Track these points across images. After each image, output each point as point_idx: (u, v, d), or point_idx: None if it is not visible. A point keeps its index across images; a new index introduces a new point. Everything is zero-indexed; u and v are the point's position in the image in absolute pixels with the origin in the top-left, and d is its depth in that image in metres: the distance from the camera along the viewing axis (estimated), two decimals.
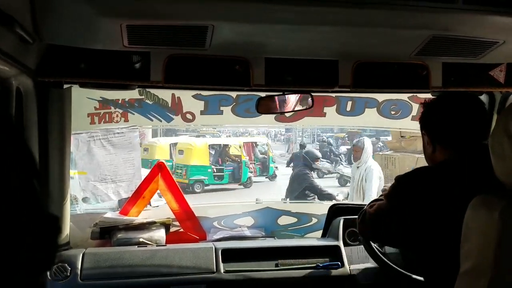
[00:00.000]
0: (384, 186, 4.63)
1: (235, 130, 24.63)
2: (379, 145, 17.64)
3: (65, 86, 2.24)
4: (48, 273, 2.25)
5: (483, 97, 2.52)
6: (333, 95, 3.20)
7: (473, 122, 1.72)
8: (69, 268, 2.31)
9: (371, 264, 2.54)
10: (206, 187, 14.81)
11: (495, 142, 1.23)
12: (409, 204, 1.64)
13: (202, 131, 23.47)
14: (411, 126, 3.43)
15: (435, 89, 2.20)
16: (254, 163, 17.23)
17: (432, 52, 1.97)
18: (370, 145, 5.64)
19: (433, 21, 1.69)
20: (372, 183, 5.24)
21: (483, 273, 1.17)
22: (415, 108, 3.37)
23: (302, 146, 15.09)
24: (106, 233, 2.69)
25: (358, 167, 5.47)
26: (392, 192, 1.72)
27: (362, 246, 2.50)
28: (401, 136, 9.13)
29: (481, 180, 1.42)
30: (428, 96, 2.26)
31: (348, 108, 3.33)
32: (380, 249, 2.41)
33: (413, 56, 2.00)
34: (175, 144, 15.81)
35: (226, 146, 16.34)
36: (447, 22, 1.71)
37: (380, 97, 3.34)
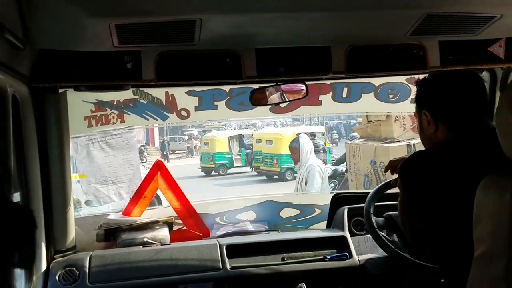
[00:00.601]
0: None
1: (240, 123, 24.72)
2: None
3: (60, 90, 2.24)
4: (57, 277, 2.26)
5: (484, 74, 2.49)
6: (328, 82, 3.18)
7: (475, 98, 1.68)
8: (77, 272, 2.32)
9: (379, 253, 2.51)
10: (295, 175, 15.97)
11: (500, 119, 1.19)
12: (419, 189, 1.62)
13: (208, 126, 23.70)
14: (411, 108, 3.41)
15: (434, 69, 2.16)
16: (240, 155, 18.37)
17: (428, 31, 1.93)
18: (308, 142, 5.06)
19: None
20: (313, 184, 4.71)
21: (499, 256, 1.13)
22: (414, 90, 3.35)
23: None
24: (111, 234, 2.70)
25: (299, 169, 4.96)
26: (402, 180, 1.69)
27: (369, 235, 2.46)
28: (368, 121, 7.98)
29: (488, 158, 1.38)
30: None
31: (344, 95, 3.30)
32: (388, 238, 2.35)
33: (408, 37, 1.97)
34: (245, 135, 18.66)
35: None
36: None
37: (377, 81, 3.31)
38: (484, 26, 1.91)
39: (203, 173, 18.67)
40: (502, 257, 1.12)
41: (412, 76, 3.18)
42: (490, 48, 2.18)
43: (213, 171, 18.58)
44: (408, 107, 3.46)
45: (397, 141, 7.09)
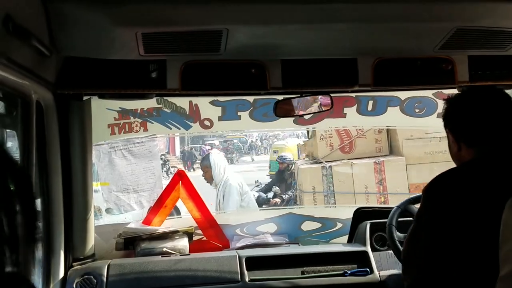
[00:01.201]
0: None
1: (261, 134, 24.73)
2: None
3: (85, 98, 2.26)
4: (74, 285, 2.26)
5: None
6: (353, 95, 3.14)
7: (498, 118, 1.63)
8: (95, 280, 2.30)
9: (401, 270, 2.45)
10: None
11: None
12: (441, 211, 1.56)
13: (229, 136, 23.78)
14: (437, 123, 3.34)
15: (462, 83, 2.11)
16: None
17: (457, 45, 1.89)
18: (220, 158, 4.77)
19: (457, 12, 1.63)
20: (229, 202, 4.38)
21: None
22: (441, 105, 3.28)
23: None
24: (130, 243, 2.69)
25: (216, 188, 4.60)
26: (423, 207, 1.64)
27: (391, 251, 2.42)
28: (309, 138, 6.94)
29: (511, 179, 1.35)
30: (454, 91, 2.19)
31: (370, 108, 3.26)
32: None
33: (437, 50, 1.93)
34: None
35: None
36: (472, 13, 1.64)
37: (403, 95, 3.26)
38: None
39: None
40: None
41: (440, 90, 3.12)
42: None
43: None
44: (434, 122, 3.39)
45: (316, 162, 6.32)
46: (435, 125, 3.40)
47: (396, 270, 2.50)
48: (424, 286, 1.60)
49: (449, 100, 1.77)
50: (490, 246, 1.25)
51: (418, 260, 1.60)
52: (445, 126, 1.75)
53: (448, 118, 1.73)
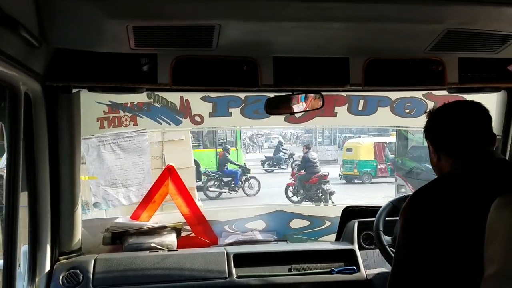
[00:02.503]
0: None
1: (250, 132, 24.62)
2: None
3: (74, 90, 2.23)
4: (60, 279, 2.24)
5: (501, 94, 2.45)
6: (344, 94, 3.15)
7: (475, 130, 1.65)
8: (81, 274, 2.29)
9: (387, 268, 2.47)
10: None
11: None
12: (422, 221, 1.58)
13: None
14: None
15: (451, 85, 2.13)
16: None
17: (448, 47, 1.90)
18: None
19: (448, 14, 1.64)
20: None
21: (510, 277, 1.12)
22: (430, 105, 3.30)
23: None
24: (118, 238, 2.68)
25: None
26: (405, 218, 1.65)
27: (378, 250, 2.44)
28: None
29: (494, 187, 1.37)
30: (443, 93, 2.21)
31: (360, 107, 3.27)
32: None
33: (427, 52, 1.94)
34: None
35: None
36: (463, 15, 1.65)
37: (393, 95, 3.28)
38: (505, 44, 1.89)
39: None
40: None
41: (429, 92, 3.14)
42: (510, 67, 2.15)
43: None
44: (423, 123, 3.41)
45: None
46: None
47: (383, 268, 2.52)
48: None
49: (430, 113, 1.79)
50: (474, 250, 1.27)
51: (407, 268, 1.60)
52: (426, 137, 1.77)
53: (429, 130, 1.75)
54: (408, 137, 13.12)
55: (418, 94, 3.29)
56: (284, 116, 3.13)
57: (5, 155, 1.90)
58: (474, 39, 1.84)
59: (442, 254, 1.53)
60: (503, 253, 1.16)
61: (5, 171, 1.88)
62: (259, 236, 3.01)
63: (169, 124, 3.09)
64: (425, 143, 1.83)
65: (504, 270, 1.14)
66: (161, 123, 3.08)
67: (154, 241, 2.66)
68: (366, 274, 2.49)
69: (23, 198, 2.13)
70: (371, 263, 2.58)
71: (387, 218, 2.45)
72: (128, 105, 3.00)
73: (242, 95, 3.06)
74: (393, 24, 1.71)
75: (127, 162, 3.01)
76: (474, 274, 1.26)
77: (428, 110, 1.79)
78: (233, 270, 2.41)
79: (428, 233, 1.55)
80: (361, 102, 3.26)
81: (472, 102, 1.75)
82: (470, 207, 1.47)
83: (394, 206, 2.47)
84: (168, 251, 2.59)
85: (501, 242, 1.16)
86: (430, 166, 1.83)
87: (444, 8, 1.57)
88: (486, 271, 1.20)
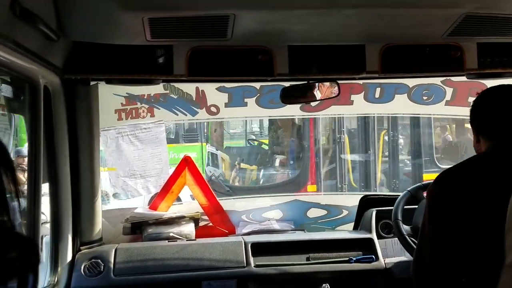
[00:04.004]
0: None
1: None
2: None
3: (92, 83, 2.26)
4: (81, 269, 2.29)
5: None
6: (361, 82, 3.12)
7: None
8: (103, 264, 2.33)
9: (406, 257, 2.46)
10: None
11: None
12: (448, 201, 1.57)
13: None
14: (445, 111, 3.32)
15: (470, 71, 2.10)
16: None
17: (466, 32, 1.87)
18: None
19: None
20: None
21: None
22: (449, 92, 3.25)
23: None
24: (137, 228, 2.71)
25: None
26: (431, 198, 1.64)
27: (397, 238, 2.43)
28: None
29: None
30: (462, 78, 2.17)
31: (377, 95, 3.23)
32: (415, 241, 2.32)
33: (445, 37, 1.91)
34: None
35: None
36: None
37: (411, 82, 3.23)
38: None
39: None
40: None
41: (448, 78, 3.09)
42: None
43: None
44: (442, 110, 3.37)
45: None
46: (443, 112, 3.38)
47: (402, 257, 2.51)
48: (436, 275, 1.60)
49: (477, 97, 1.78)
50: (496, 236, 1.25)
51: (432, 249, 1.60)
52: (470, 118, 1.75)
53: (471, 112, 1.74)
54: None
55: (436, 80, 3.24)
56: (299, 105, 3.12)
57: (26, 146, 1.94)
58: (493, 23, 1.81)
59: (465, 238, 1.52)
60: None
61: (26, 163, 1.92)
62: (276, 226, 3.01)
63: (186, 115, 3.11)
64: None
65: None
66: (177, 114, 3.09)
67: (173, 230, 2.69)
68: (385, 263, 2.48)
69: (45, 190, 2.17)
70: (390, 252, 2.57)
71: (405, 207, 2.44)
72: (145, 97, 3.02)
73: (257, 85, 3.04)
74: (410, 10, 1.68)
75: (145, 153, 3.03)
76: (496, 261, 1.24)
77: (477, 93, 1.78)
78: (251, 259, 2.42)
79: (453, 214, 1.54)
80: (378, 89, 3.22)
81: None
82: (494, 192, 1.46)
83: (412, 195, 2.46)
84: (186, 240, 2.62)
85: None
86: None
87: None
88: (508, 258, 1.18)
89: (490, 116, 1.66)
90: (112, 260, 2.36)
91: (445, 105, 3.32)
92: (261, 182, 7.69)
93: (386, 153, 6.46)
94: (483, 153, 1.65)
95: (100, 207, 2.50)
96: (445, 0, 1.62)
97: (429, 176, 5.61)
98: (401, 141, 6.70)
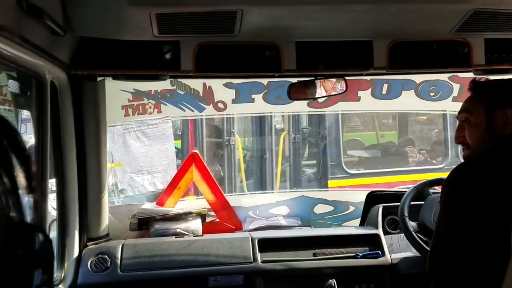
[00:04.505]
0: None
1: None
2: None
3: (99, 78, 2.26)
4: (88, 264, 2.29)
5: None
6: (368, 78, 3.11)
7: None
8: (109, 260, 2.34)
9: (413, 253, 2.46)
10: None
11: None
12: (463, 195, 1.55)
13: None
14: (452, 107, 3.30)
15: (478, 67, 2.08)
16: None
17: (474, 28, 1.86)
18: None
19: None
20: None
21: None
22: (456, 88, 3.24)
23: None
24: (144, 224, 2.71)
25: None
26: (446, 192, 1.62)
27: (403, 234, 2.42)
28: None
29: None
30: (470, 75, 2.15)
31: (384, 91, 3.22)
32: (422, 237, 2.32)
33: (453, 33, 1.90)
34: None
35: None
36: None
37: (418, 78, 3.22)
38: None
39: None
40: None
41: (455, 74, 3.07)
42: None
43: None
44: (449, 106, 3.35)
45: None
46: (450, 108, 3.37)
47: (408, 253, 2.51)
48: (452, 271, 1.59)
49: (498, 80, 1.74)
50: (506, 231, 1.25)
51: (446, 246, 1.59)
52: (499, 106, 1.67)
53: (505, 98, 1.68)
54: None
55: (444, 76, 3.22)
56: (307, 101, 3.11)
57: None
58: (501, 19, 1.80)
59: (479, 232, 1.51)
60: None
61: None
62: (283, 222, 3.01)
63: (193, 111, 3.11)
64: None
65: None
66: (184, 110, 3.09)
67: (180, 226, 2.69)
68: (391, 259, 2.48)
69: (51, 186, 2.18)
70: (396, 248, 2.57)
71: (411, 203, 2.43)
72: (152, 93, 3.03)
73: (264, 81, 3.04)
74: (418, 5, 1.67)
75: (152, 149, 3.04)
76: (504, 256, 1.24)
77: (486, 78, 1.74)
78: (258, 255, 2.43)
79: (468, 210, 1.53)
80: (385, 86, 3.21)
81: None
82: (506, 187, 1.45)
83: (418, 192, 2.46)
84: (193, 236, 2.63)
85: None
86: None
87: None
88: None
89: None
90: (118, 256, 2.36)
91: (452, 101, 3.31)
92: None
93: (287, 156, 5.62)
94: (495, 147, 1.62)
95: (107, 203, 2.50)
96: None
97: (334, 183, 5.14)
98: (305, 142, 5.91)
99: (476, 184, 1.55)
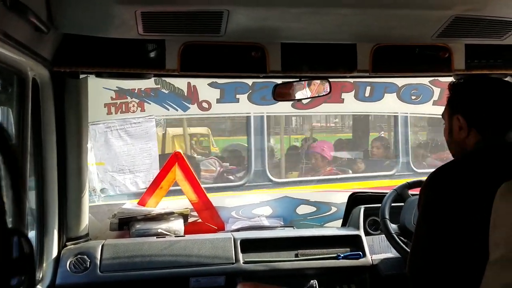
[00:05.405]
0: None
1: None
2: None
3: (81, 76, 2.23)
4: (67, 265, 2.26)
5: (508, 80, 2.44)
6: (351, 80, 3.14)
7: (510, 107, 1.63)
8: (89, 260, 2.31)
9: (393, 254, 2.49)
10: None
11: None
12: (440, 199, 1.57)
13: None
14: (433, 111, 3.36)
15: (458, 72, 2.12)
16: None
17: (455, 34, 1.90)
18: None
19: (455, 0, 1.63)
20: None
21: None
22: (437, 92, 3.30)
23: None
24: (125, 224, 2.69)
25: None
26: (424, 195, 1.64)
27: (384, 235, 2.46)
28: None
29: (503, 170, 1.36)
30: (450, 79, 2.19)
31: (367, 94, 3.27)
32: (403, 239, 2.35)
33: (434, 38, 1.94)
34: None
35: None
36: (470, 2, 1.65)
37: (400, 81, 3.27)
38: (511, 31, 1.86)
39: None
40: None
41: (436, 78, 3.13)
42: None
43: None
44: (430, 109, 3.41)
45: None
46: (431, 112, 3.43)
47: (389, 254, 2.54)
48: (432, 274, 1.61)
49: (456, 86, 1.74)
50: (483, 233, 1.26)
51: (426, 247, 1.60)
52: (454, 111, 1.68)
53: (459, 103, 1.68)
54: None
55: (425, 80, 3.28)
56: (291, 102, 3.13)
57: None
58: (481, 26, 1.84)
59: (457, 235, 1.53)
60: (505, 239, 1.16)
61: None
62: (265, 222, 3.02)
63: (177, 110, 3.10)
64: None
65: (506, 256, 1.15)
66: (168, 109, 3.09)
67: (161, 227, 2.67)
68: (371, 259, 2.51)
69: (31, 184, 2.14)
70: (377, 249, 2.60)
71: (392, 205, 2.46)
72: (136, 91, 3.01)
73: (249, 82, 3.05)
74: (401, 10, 1.70)
75: (134, 148, 3.01)
76: (482, 257, 1.26)
77: (452, 82, 1.76)
78: (240, 255, 2.43)
79: (446, 213, 1.55)
80: (368, 88, 3.26)
81: (502, 80, 1.73)
82: (484, 190, 1.46)
83: (398, 194, 2.50)
84: (175, 237, 2.61)
85: (504, 228, 1.17)
86: None
87: None
88: (491, 256, 1.20)
89: (489, 110, 1.61)
90: (98, 256, 2.33)
91: (432, 104, 3.37)
92: None
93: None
94: (474, 150, 1.64)
95: (87, 202, 2.47)
96: (435, 2, 1.64)
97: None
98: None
99: (453, 188, 1.56)
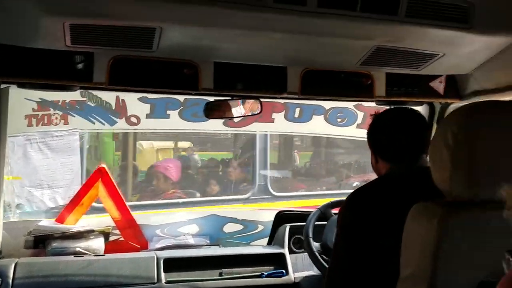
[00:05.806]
0: None
1: None
2: None
3: (2, 86, 2.11)
4: None
5: (424, 108, 2.63)
6: (282, 101, 3.23)
7: (409, 136, 1.74)
8: (0, 279, 2.17)
9: (315, 271, 2.56)
10: None
11: (434, 150, 1.24)
12: (356, 221, 1.65)
13: None
14: (357, 133, 3.52)
15: (379, 98, 2.25)
16: None
17: (376, 63, 2.02)
18: None
19: (377, 32, 1.74)
20: None
21: (422, 280, 1.17)
22: (360, 116, 3.47)
23: None
24: (41, 242, 2.56)
25: None
26: (342, 215, 1.71)
27: (307, 253, 2.52)
28: None
29: (422, 191, 1.46)
30: (372, 104, 2.31)
31: (296, 115, 3.37)
32: (324, 257, 2.43)
33: (358, 66, 2.05)
34: None
35: None
36: (390, 34, 1.76)
37: (327, 104, 3.41)
38: (427, 62, 2.03)
39: None
40: (424, 281, 1.16)
41: (360, 103, 3.29)
42: (431, 84, 2.31)
43: None
44: (354, 132, 3.57)
45: None
46: (355, 134, 3.59)
47: (311, 271, 2.62)
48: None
49: (373, 116, 1.87)
50: (396, 254, 1.32)
51: (342, 267, 1.66)
52: (367, 140, 1.85)
53: (369, 133, 1.83)
54: None
55: (350, 104, 3.44)
56: (223, 120, 3.14)
57: None
58: (400, 57, 1.97)
59: (371, 256, 1.61)
60: (416, 259, 1.22)
61: None
62: (191, 241, 2.98)
63: (103, 124, 3.00)
64: None
65: (416, 275, 1.21)
66: (94, 123, 2.98)
67: (80, 245, 2.57)
68: (294, 277, 2.57)
69: None
70: (300, 266, 2.67)
71: (316, 223, 2.54)
72: (60, 103, 2.88)
73: (181, 98, 3.03)
74: (328, 39, 1.79)
75: (55, 162, 2.87)
76: (395, 275, 1.33)
77: (373, 112, 1.87)
78: (162, 275, 2.38)
79: (361, 234, 1.62)
80: (298, 109, 3.36)
81: (411, 110, 1.85)
82: (395, 212, 1.55)
83: (322, 213, 2.58)
84: (94, 256, 2.51)
85: (415, 248, 1.22)
86: None
87: (374, 26, 1.67)
88: (402, 273, 1.26)
89: (388, 140, 1.74)
90: (11, 275, 2.21)
91: (356, 127, 3.54)
92: None
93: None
94: (386, 175, 1.75)
95: (1, 218, 2.32)
96: (359, 32, 1.74)
97: None
98: None
99: (369, 209, 1.63)
